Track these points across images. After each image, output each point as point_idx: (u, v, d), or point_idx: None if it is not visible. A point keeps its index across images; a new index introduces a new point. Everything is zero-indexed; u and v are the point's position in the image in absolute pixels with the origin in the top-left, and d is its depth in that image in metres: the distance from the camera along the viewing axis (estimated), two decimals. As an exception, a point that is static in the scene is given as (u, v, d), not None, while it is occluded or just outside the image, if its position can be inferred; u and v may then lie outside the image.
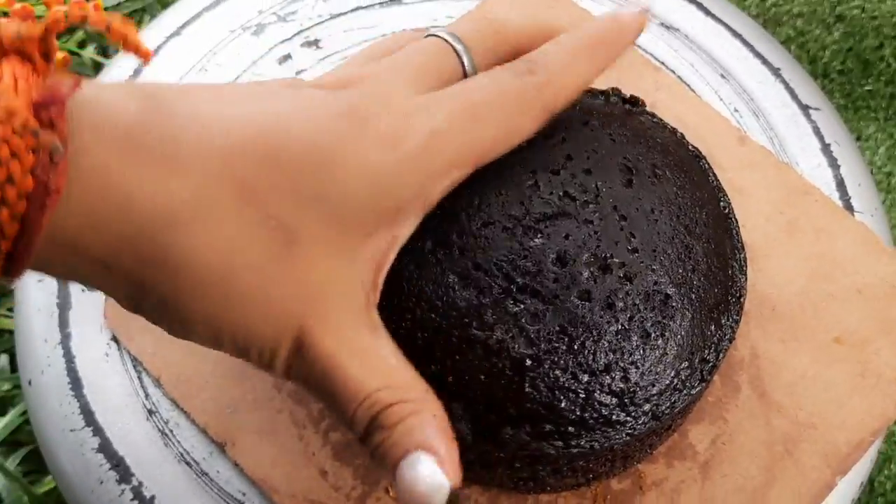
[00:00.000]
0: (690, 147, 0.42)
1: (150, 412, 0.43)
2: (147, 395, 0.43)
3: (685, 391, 0.37)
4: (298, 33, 0.54)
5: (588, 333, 0.35)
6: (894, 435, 0.63)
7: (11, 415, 0.64)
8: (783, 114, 0.51)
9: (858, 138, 0.75)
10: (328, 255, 0.30)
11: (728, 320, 0.38)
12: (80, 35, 0.86)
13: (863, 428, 0.42)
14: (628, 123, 0.41)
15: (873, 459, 0.43)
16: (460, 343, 0.35)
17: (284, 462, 0.41)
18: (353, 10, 0.54)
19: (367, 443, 0.30)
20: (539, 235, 0.36)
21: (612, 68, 0.37)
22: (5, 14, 0.80)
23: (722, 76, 0.53)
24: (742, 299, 0.39)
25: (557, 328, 0.35)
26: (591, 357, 0.35)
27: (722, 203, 0.41)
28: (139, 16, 0.88)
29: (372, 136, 0.30)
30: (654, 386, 0.36)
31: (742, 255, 0.40)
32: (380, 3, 0.55)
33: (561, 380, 0.35)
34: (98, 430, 0.42)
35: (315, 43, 0.53)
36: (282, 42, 0.53)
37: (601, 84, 0.41)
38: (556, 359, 0.35)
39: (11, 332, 0.67)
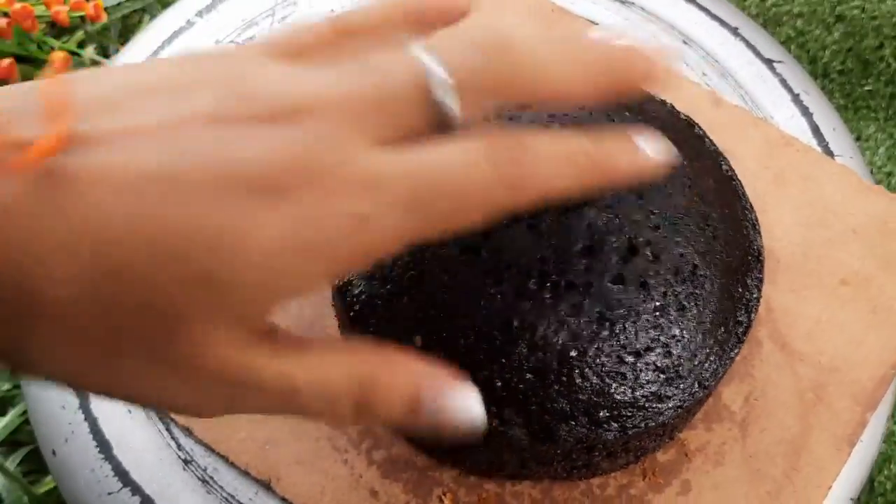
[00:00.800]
0: (682, 115, 0.43)
1: (186, 462, 0.42)
2: (179, 446, 0.42)
3: (725, 356, 0.38)
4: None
5: (627, 316, 0.36)
6: (894, 435, 0.64)
7: (11, 415, 0.62)
8: (749, 71, 0.53)
9: (858, 138, 0.75)
10: (214, 342, 0.26)
11: (752, 280, 0.39)
12: (80, 35, 0.82)
13: (883, 362, 0.44)
14: (622, 100, 0.41)
15: (874, 459, 0.44)
16: (503, 345, 0.36)
17: (333, 489, 0.41)
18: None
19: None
20: (563, 228, 0.36)
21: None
22: (5, 14, 0.77)
23: (684, 42, 0.54)
24: (761, 258, 0.40)
25: (597, 315, 0.36)
26: (633, 338, 0.36)
27: (724, 167, 0.42)
28: (139, 16, 0.85)
29: (287, 213, 0.25)
30: (696, 356, 0.37)
31: (753, 215, 0.41)
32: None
33: (608, 365, 0.36)
34: (137, 489, 0.41)
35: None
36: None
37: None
38: (600, 346, 0.36)
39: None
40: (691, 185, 0.39)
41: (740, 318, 0.38)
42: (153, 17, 0.81)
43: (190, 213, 0.24)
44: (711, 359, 0.37)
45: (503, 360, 0.36)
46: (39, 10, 0.77)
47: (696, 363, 0.37)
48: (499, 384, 0.36)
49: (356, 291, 0.38)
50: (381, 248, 0.26)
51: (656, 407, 0.36)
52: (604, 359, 0.36)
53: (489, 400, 0.32)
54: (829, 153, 0.50)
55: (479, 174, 0.26)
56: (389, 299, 0.37)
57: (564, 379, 0.35)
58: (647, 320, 0.36)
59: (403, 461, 0.41)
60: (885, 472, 0.64)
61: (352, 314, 0.37)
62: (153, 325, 0.25)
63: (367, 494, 0.41)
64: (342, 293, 0.38)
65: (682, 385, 0.37)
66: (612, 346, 0.36)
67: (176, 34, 0.55)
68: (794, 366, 0.44)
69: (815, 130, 0.51)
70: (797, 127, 0.51)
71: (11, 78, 0.74)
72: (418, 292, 0.36)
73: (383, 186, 0.25)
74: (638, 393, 0.36)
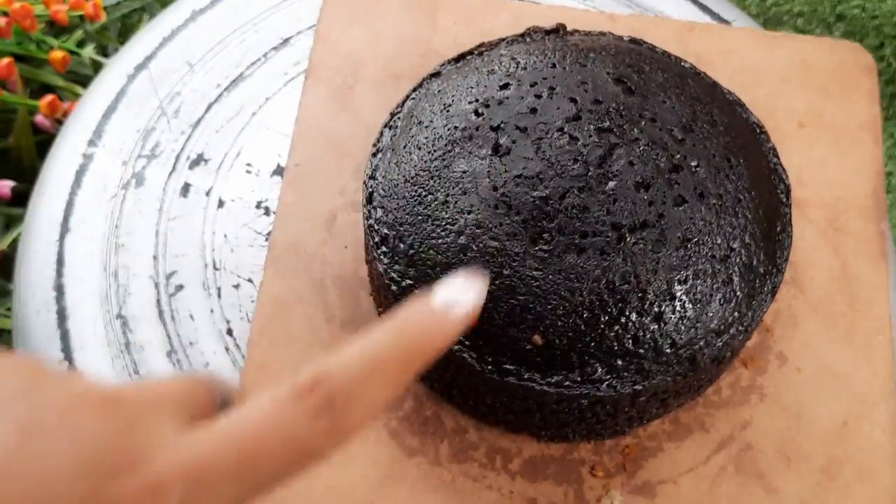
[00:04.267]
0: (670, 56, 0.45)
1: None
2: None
3: (772, 230, 0.40)
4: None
5: (704, 229, 0.37)
6: None
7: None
8: None
9: None
10: None
11: (774, 156, 0.42)
12: (79, 34, 0.80)
13: (870, 177, 0.48)
14: (620, 51, 0.42)
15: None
16: (621, 311, 0.36)
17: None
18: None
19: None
20: (607, 176, 0.37)
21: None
22: (5, 13, 0.74)
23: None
24: (764, 129, 0.42)
25: (678, 239, 0.37)
26: (717, 246, 0.37)
27: (729, 97, 0.44)
28: (138, 15, 0.84)
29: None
30: (762, 236, 0.39)
31: (755, 118, 0.43)
32: (225, 88, 0.52)
33: (711, 278, 0.37)
34: None
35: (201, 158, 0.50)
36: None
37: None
38: (701, 264, 0.37)
39: (10, 332, 0.62)
40: (691, 104, 0.41)
41: (781, 197, 0.41)
42: (152, 16, 0.81)
43: None
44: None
45: (629, 321, 0.36)
46: (39, 9, 0.77)
47: (762, 244, 0.39)
48: (642, 337, 0.36)
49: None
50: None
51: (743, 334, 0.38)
52: (706, 279, 0.37)
53: (632, 361, 0.33)
54: (725, 22, 0.53)
55: (298, 428, 0.26)
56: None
57: (690, 306, 0.36)
58: (721, 226, 0.38)
59: (540, 458, 0.41)
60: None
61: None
62: None
63: (524, 502, 0.40)
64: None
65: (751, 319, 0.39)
66: (707, 258, 0.37)
67: (175, 33, 0.54)
68: (805, 212, 0.47)
69: (703, 8, 0.54)
70: (688, 11, 0.54)
71: (11, 77, 0.73)
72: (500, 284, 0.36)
73: (209, 449, 0.26)
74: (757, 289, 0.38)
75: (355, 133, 0.49)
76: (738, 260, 0.38)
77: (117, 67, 0.53)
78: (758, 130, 0.42)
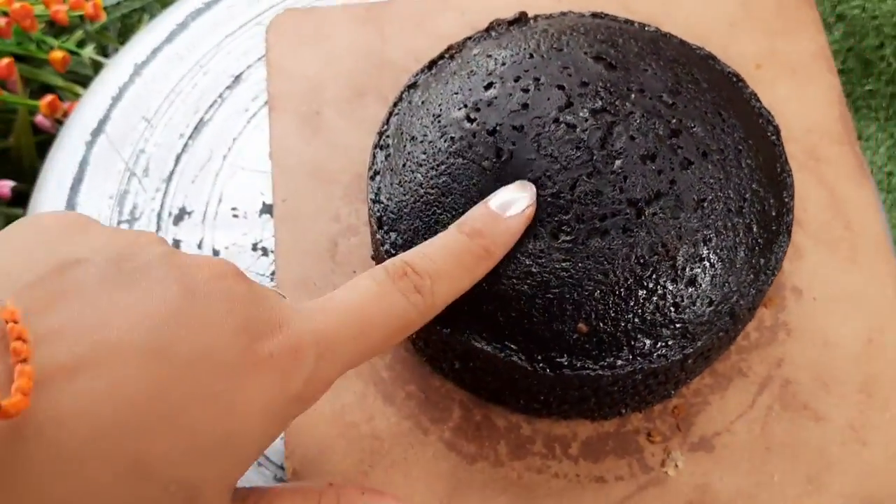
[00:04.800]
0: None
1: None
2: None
3: (776, 188, 0.41)
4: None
5: (714, 187, 0.38)
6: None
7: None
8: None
9: (859, 138, 0.74)
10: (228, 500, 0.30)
11: (771, 131, 0.43)
12: (79, 34, 0.80)
13: (825, 106, 0.50)
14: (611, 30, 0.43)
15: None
16: (649, 287, 0.37)
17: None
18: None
19: None
20: (615, 155, 0.38)
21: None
22: (5, 13, 0.74)
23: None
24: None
25: (694, 202, 0.38)
26: (732, 199, 0.38)
27: (700, 52, 0.44)
28: (138, 15, 0.84)
29: (267, 365, 0.29)
30: (765, 193, 0.40)
31: (750, 90, 0.44)
32: (189, 136, 0.51)
33: (730, 241, 0.38)
34: None
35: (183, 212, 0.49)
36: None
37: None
38: (719, 222, 0.38)
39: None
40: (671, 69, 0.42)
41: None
42: (153, 16, 0.81)
43: (187, 386, 0.27)
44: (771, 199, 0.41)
45: (666, 290, 0.37)
46: (39, 9, 0.76)
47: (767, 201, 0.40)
48: (682, 303, 0.37)
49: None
50: (345, 368, 0.32)
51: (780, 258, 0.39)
52: (728, 233, 0.38)
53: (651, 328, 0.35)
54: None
55: (396, 304, 0.33)
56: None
57: (719, 263, 0.37)
58: (730, 180, 0.39)
59: (596, 438, 0.42)
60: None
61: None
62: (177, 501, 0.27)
63: (592, 482, 0.41)
64: None
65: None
66: (724, 213, 0.38)
67: (175, 33, 0.54)
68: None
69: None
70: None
71: (11, 77, 0.73)
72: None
73: (330, 315, 0.32)
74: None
75: (334, 157, 0.49)
76: (752, 209, 0.39)
77: (75, 132, 0.52)
78: (734, 79, 0.43)
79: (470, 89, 0.41)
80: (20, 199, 0.73)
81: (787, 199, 0.41)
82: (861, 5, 0.79)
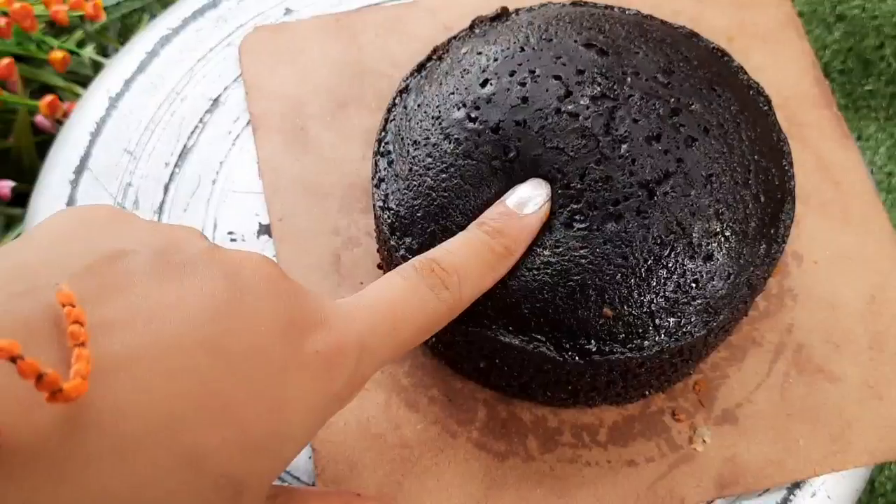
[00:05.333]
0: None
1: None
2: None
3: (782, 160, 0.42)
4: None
5: (719, 162, 0.39)
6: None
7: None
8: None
9: (859, 138, 0.75)
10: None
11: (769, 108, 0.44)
12: (79, 34, 0.79)
13: (800, 72, 0.51)
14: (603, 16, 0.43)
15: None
16: (660, 268, 0.37)
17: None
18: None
19: None
20: (620, 138, 0.38)
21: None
22: (5, 13, 0.73)
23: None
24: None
25: (703, 178, 0.38)
26: (740, 175, 0.39)
27: (682, 30, 0.45)
28: (138, 15, 0.83)
29: (313, 363, 0.29)
30: (764, 166, 0.41)
31: (746, 75, 0.44)
32: (175, 164, 0.51)
33: (741, 213, 0.39)
34: None
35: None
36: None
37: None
38: (730, 196, 0.38)
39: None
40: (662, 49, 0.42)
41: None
42: (153, 16, 0.81)
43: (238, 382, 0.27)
44: (774, 169, 0.41)
45: (685, 268, 0.37)
46: (39, 9, 0.75)
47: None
48: (701, 279, 0.38)
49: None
50: (383, 364, 0.33)
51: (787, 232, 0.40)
52: (738, 205, 0.39)
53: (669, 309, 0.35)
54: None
55: (427, 301, 0.34)
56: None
57: (733, 236, 0.38)
58: (734, 153, 0.39)
59: (622, 422, 0.42)
60: (886, 473, 0.67)
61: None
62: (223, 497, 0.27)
63: (624, 466, 0.41)
64: None
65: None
66: (732, 187, 0.39)
67: (145, 63, 0.54)
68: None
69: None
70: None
71: (11, 77, 0.72)
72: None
73: (363, 314, 0.32)
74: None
75: (326, 171, 0.49)
76: (757, 179, 0.40)
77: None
78: (720, 55, 0.44)
79: (466, 88, 0.41)
80: (20, 199, 0.71)
81: (786, 167, 0.41)
82: (861, 5, 0.79)
